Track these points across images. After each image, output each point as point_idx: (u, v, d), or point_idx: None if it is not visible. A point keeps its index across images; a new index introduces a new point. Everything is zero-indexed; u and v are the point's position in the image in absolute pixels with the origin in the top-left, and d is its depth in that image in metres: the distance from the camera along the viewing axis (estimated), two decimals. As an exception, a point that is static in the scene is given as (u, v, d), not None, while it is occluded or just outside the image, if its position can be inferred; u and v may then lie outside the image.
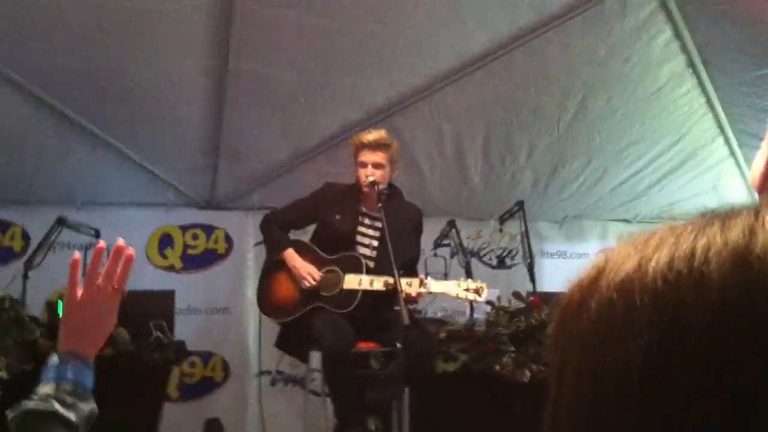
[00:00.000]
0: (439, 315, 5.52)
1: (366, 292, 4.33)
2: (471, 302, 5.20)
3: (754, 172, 1.02)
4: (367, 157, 4.45)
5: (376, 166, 4.42)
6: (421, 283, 4.25)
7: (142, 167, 5.90)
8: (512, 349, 4.81)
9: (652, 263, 0.44)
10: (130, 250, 1.59)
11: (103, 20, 4.66)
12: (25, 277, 4.88)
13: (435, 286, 4.34)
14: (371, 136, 4.51)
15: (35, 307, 5.06)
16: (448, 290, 4.40)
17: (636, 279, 0.45)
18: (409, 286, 4.16)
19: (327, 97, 5.51)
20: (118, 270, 1.58)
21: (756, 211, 0.44)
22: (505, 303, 5.13)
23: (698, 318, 0.41)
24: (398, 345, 3.93)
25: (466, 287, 4.36)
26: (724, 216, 0.45)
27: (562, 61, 5.50)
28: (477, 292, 4.35)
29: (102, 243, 1.59)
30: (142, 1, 4.59)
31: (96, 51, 4.87)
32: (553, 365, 0.50)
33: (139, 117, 5.46)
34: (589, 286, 0.49)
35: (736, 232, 0.43)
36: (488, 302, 5.16)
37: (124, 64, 5.00)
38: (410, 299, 4.21)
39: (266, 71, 5.22)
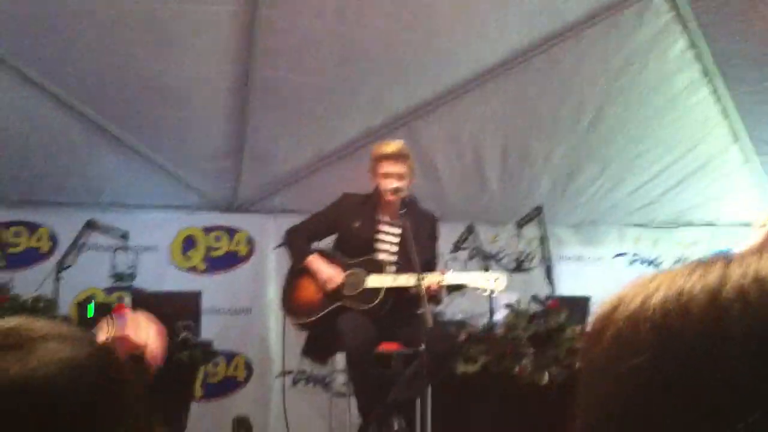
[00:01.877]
0: (459, 317, 5.61)
1: (389, 295, 4.44)
2: (491, 296, 5.31)
3: None
4: (390, 168, 4.55)
5: (399, 177, 4.54)
6: (441, 275, 4.37)
7: (166, 170, 6.03)
8: (531, 351, 4.91)
9: (652, 301, 0.59)
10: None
11: (130, 26, 4.79)
12: (58, 278, 5.00)
13: (454, 277, 4.46)
14: (391, 148, 4.60)
15: (64, 308, 5.21)
16: (468, 281, 4.51)
17: (640, 312, 0.60)
18: (430, 279, 4.29)
19: (349, 103, 5.63)
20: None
21: (728, 261, 0.59)
22: (523, 306, 5.22)
23: (684, 340, 0.56)
24: (422, 346, 4.03)
25: (485, 278, 4.48)
26: (705, 264, 0.60)
27: (579, 70, 5.60)
28: (496, 281, 4.45)
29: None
30: (169, 7, 4.72)
31: (123, 57, 5.01)
32: (579, 382, 0.64)
33: (165, 121, 5.60)
34: (606, 318, 0.63)
35: (711, 278, 0.58)
36: (507, 305, 5.26)
37: (151, 70, 5.13)
38: (432, 292, 4.32)
39: (289, 76, 5.33)
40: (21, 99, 5.20)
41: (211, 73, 5.23)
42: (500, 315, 5.32)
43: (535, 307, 5.18)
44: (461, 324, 5.33)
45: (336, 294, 4.54)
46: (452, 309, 5.64)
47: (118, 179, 6.07)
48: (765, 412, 0.52)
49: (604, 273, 7.03)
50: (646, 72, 5.65)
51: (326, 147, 6.05)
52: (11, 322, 0.78)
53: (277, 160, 6.12)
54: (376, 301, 4.43)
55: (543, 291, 5.41)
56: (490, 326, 5.20)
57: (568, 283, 6.46)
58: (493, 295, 5.07)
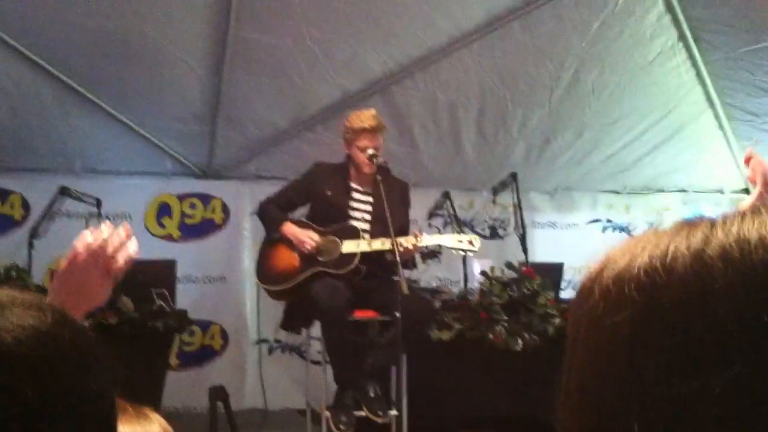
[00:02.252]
0: (434, 284, 5.65)
1: (364, 260, 4.45)
2: (466, 261, 5.35)
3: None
4: (370, 141, 4.55)
5: (377, 149, 4.55)
6: (416, 237, 4.39)
7: (140, 135, 5.96)
8: (505, 318, 4.95)
9: (638, 261, 0.62)
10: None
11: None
12: (31, 246, 4.96)
13: (429, 239, 4.48)
14: (370, 121, 4.58)
15: (38, 276, 5.16)
16: (443, 241, 4.53)
17: (626, 272, 0.62)
18: (405, 241, 4.31)
19: (327, 66, 5.57)
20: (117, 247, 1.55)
21: (712, 224, 0.62)
22: (497, 273, 5.26)
23: (668, 298, 0.59)
24: (397, 314, 4.05)
25: (459, 239, 4.50)
26: (690, 226, 0.62)
27: (557, 34, 5.58)
28: (470, 243, 4.47)
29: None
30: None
31: (97, 17, 4.91)
32: (567, 339, 0.67)
33: (139, 84, 5.52)
34: (594, 277, 0.65)
35: (696, 239, 0.60)
36: (481, 272, 5.29)
37: (125, 29, 5.04)
38: (407, 254, 4.34)
39: (267, 39, 5.27)
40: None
41: (187, 34, 5.15)
42: (474, 282, 5.37)
43: (509, 274, 5.22)
44: (436, 291, 5.37)
45: (311, 260, 4.55)
46: (427, 276, 5.68)
47: (91, 145, 6.00)
48: (745, 364, 0.55)
49: (577, 239, 7.08)
50: (622, 37, 5.65)
51: (302, 113, 6.01)
52: None
53: (253, 126, 6.07)
54: (352, 266, 4.44)
55: (517, 257, 5.44)
56: (465, 293, 5.24)
57: (543, 250, 6.52)
58: (468, 256, 5.09)
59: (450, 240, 4.54)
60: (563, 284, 5.81)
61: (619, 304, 0.61)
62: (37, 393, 0.71)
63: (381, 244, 4.37)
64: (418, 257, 4.86)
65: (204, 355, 6.20)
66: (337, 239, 4.55)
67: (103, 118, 5.73)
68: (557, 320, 5.01)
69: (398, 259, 4.09)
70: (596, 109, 6.22)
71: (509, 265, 5.30)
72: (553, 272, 5.49)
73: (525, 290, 5.07)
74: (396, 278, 4.04)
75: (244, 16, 5.00)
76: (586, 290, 0.65)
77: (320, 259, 4.53)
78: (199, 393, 5.13)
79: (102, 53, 5.24)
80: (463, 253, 4.82)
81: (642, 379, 0.58)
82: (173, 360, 5.80)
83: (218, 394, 4.39)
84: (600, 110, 6.24)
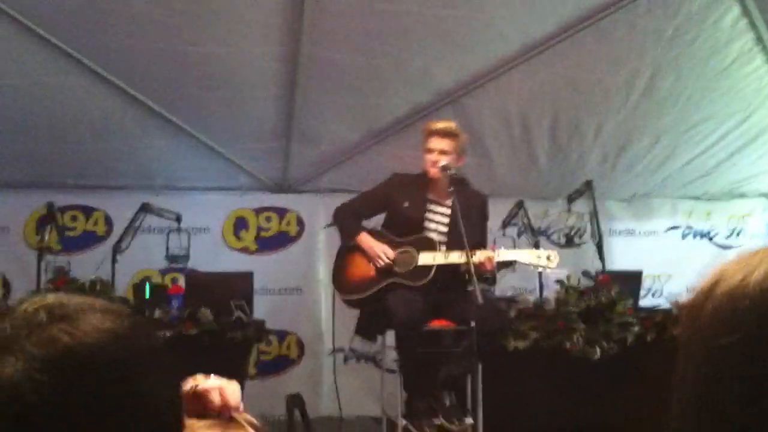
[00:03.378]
0: (509, 294, 5.61)
1: (439, 272, 4.45)
2: (541, 272, 5.29)
3: None
4: (435, 143, 4.57)
5: (443, 152, 4.55)
6: (493, 251, 4.37)
7: (217, 152, 6.10)
8: (582, 326, 4.89)
9: (753, 277, 0.60)
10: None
11: (178, 7, 4.83)
12: (114, 261, 5.11)
13: (507, 254, 4.45)
14: (441, 124, 4.67)
15: (121, 289, 5.33)
16: (520, 257, 4.50)
17: (740, 288, 0.60)
18: (481, 255, 4.30)
19: (397, 80, 5.61)
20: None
21: None
22: (573, 282, 5.19)
23: None
24: (472, 324, 4.04)
25: (537, 255, 4.47)
26: None
27: (630, 42, 5.49)
28: (548, 258, 4.43)
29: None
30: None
31: (172, 38, 5.04)
32: (679, 353, 0.65)
33: (214, 103, 5.65)
34: (707, 292, 0.64)
35: None
36: (558, 281, 5.24)
37: (200, 51, 5.17)
38: (484, 269, 4.33)
39: (338, 56, 5.34)
40: (73, 85, 5.30)
41: (260, 53, 5.26)
42: (550, 291, 5.31)
43: (585, 283, 5.15)
44: (511, 300, 5.32)
45: (388, 271, 4.57)
46: (502, 285, 5.63)
47: (169, 162, 6.17)
48: None
49: (656, 246, 6.95)
50: (698, 42, 5.53)
51: (374, 126, 6.06)
52: (50, 298, 0.82)
53: (326, 140, 6.15)
54: (428, 278, 4.44)
55: (594, 266, 5.37)
56: (541, 302, 5.19)
57: (620, 258, 6.42)
58: (545, 272, 5.05)
59: (527, 256, 4.50)
60: (642, 292, 5.71)
61: (732, 324, 0.59)
62: (113, 393, 0.75)
63: (458, 257, 4.37)
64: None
65: (281, 364, 6.31)
66: (414, 251, 4.56)
67: (181, 137, 5.90)
68: (636, 328, 4.92)
69: (472, 268, 4.08)
70: (673, 115, 6.10)
71: (585, 274, 5.24)
72: (631, 280, 5.40)
73: (602, 299, 5.00)
74: (470, 288, 4.03)
75: (315, 35, 5.08)
76: (697, 306, 0.64)
77: (396, 270, 4.55)
78: (276, 401, 5.20)
79: (180, 76, 5.39)
80: (540, 269, 4.79)
81: (758, 399, 0.57)
82: (251, 369, 5.90)
83: (295, 401, 4.45)
84: (677, 116, 6.11)
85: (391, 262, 4.53)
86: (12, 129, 5.58)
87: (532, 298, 5.39)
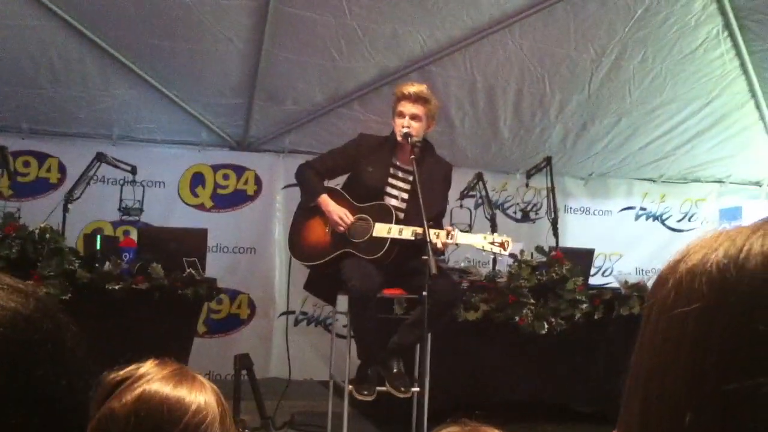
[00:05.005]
0: (462, 265, 5.63)
1: (394, 242, 4.43)
2: (495, 255, 5.32)
3: None
4: (406, 108, 4.48)
5: (414, 117, 4.46)
6: (449, 234, 4.33)
7: (178, 106, 5.99)
8: (532, 301, 4.94)
9: (712, 256, 0.63)
10: None
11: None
12: (66, 210, 5.01)
13: (462, 237, 4.43)
14: (413, 88, 4.53)
15: (71, 239, 5.23)
16: (474, 242, 4.49)
17: (699, 266, 0.64)
18: (436, 237, 4.25)
19: (366, 44, 5.55)
20: None
21: None
22: (527, 256, 5.23)
23: (735, 296, 0.61)
24: (424, 293, 4.04)
25: (491, 240, 4.44)
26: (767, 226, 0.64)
27: (600, 18, 5.51)
28: (502, 245, 4.42)
29: None
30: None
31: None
32: (641, 325, 0.69)
33: (179, 55, 5.55)
34: (671, 268, 0.67)
35: None
36: (511, 255, 5.26)
37: (168, 0, 5.07)
38: (437, 250, 4.30)
39: (307, 14, 5.26)
40: (34, 26, 5.16)
41: (228, 5, 5.16)
42: (503, 264, 5.34)
43: (538, 258, 5.19)
44: (465, 272, 5.35)
45: (343, 239, 4.53)
46: (455, 257, 5.66)
47: (129, 113, 6.05)
48: None
49: (610, 226, 7.04)
50: (667, 23, 5.57)
51: (340, 88, 6.00)
52: None
53: (290, 99, 6.07)
54: (381, 252, 4.42)
55: (548, 242, 5.41)
56: (493, 275, 5.22)
57: (574, 235, 6.48)
58: (499, 258, 5.08)
59: (481, 241, 4.47)
60: (593, 270, 5.77)
61: (690, 296, 0.63)
62: (6, 375, 0.72)
63: (411, 233, 4.33)
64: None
65: (231, 323, 6.29)
66: (370, 219, 4.52)
67: (142, 87, 5.78)
68: (585, 306, 4.98)
69: (428, 238, 4.07)
70: (636, 96, 6.14)
71: (539, 249, 5.28)
72: (583, 258, 5.46)
73: (554, 275, 5.05)
74: (425, 257, 4.02)
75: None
76: (662, 279, 0.68)
77: (351, 240, 4.52)
78: (224, 360, 5.19)
79: (145, 24, 5.27)
80: (493, 255, 4.80)
81: (702, 371, 0.60)
82: (201, 327, 5.87)
83: (243, 362, 4.42)
84: (640, 97, 6.16)
85: (349, 228, 4.50)
86: (-34, 70, 5.43)
87: (485, 270, 5.42)
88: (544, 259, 5.18)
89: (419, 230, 4.19)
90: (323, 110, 6.16)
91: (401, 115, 4.47)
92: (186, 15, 5.19)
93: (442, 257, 5.12)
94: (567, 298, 4.97)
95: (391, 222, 4.44)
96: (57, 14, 5.12)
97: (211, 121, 6.23)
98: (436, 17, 5.42)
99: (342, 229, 4.47)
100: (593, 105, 6.21)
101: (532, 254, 5.27)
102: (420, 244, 4.16)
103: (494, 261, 5.46)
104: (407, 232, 4.34)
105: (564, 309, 4.96)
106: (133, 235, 5.31)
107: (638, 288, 5.13)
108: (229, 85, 5.90)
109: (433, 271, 3.89)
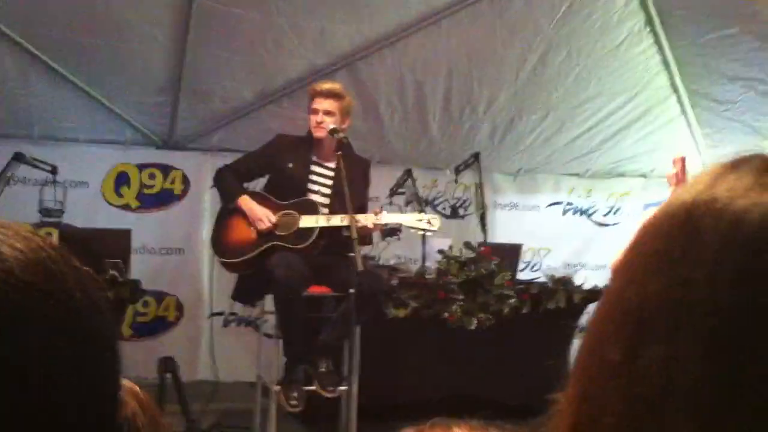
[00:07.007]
0: (392, 262, 5.63)
1: (321, 237, 4.41)
2: (425, 241, 5.34)
3: None
4: (319, 104, 4.54)
5: (327, 113, 4.52)
6: (376, 215, 4.37)
7: (100, 103, 5.84)
8: (461, 297, 4.96)
9: (678, 200, 0.67)
10: None
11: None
12: (-19, 211, 4.85)
13: (389, 217, 4.45)
14: (325, 85, 4.65)
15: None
16: (402, 220, 4.51)
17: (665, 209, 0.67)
18: (365, 219, 4.29)
19: (293, 40, 5.50)
20: None
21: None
22: (456, 252, 5.26)
23: (703, 232, 0.63)
24: (351, 290, 4.02)
25: (418, 218, 4.48)
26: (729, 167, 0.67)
27: (526, 15, 5.56)
28: (429, 222, 4.45)
29: None
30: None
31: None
32: (603, 307, 0.70)
33: (101, 52, 5.40)
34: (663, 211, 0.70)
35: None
36: (440, 251, 5.28)
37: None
38: (365, 231, 4.32)
39: (232, 10, 5.18)
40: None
41: (152, 3, 5.05)
42: (433, 261, 5.36)
43: (467, 254, 5.22)
44: (394, 269, 5.35)
45: (269, 234, 4.50)
46: (387, 254, 5.65)
47: (49, 111, 5.86)
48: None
49: (537, 221, 7.12)
50: (591, 19, 5.65)
51: (267, 86, 5.93)
52: None
53: (216, 97, 5.98)
54: (310, 241, 4.40)
55: (476, 238, 5.45)
56: (422, 272, 5.23)
57: (503, 231, 6.53)
58: (428, 235, 5.08)
59: (410, 219, 4.51)
60: (522, 265, 5.82)
61: (660, 234, 0.66)
62: (29, 317, 0.68)
63: (340, 220, 4.34)
64: (377, 234, 4.83)
65: (158, 326, 6.15)
66: (296, 213, 4.50)
67: (63, 85, 5.61)
68: (513, 300, 5.03)
69: (354, 235, 4.05)
70: (562, 91, 6.22)
71: (467, 245, 5.30)
72: (511, 253, 5.51)
73: (482, 270, 5.08)
74: (351, 254, 4.00)
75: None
76: (647, 222, 0.71)
77: (278, 233, 4.48)
78: (151, 364, 5.08)
79: (65, 20, 5.12)
80: (422, 233, 4.81)
81: (666, 289, 0.62)
82: (126, 330, 5.74)
83: (167, 365, 4.34)
84: (566, 93, 6.24)
85: (272, 226, 4.46)
86: None
87: (414, 267, 5.43)
88: (473, 255, 5.20)
89: (347, 217, 4.18)
90: (251, 107, 6.08)
91: (315, 111, 4.53)
92: (107, 11, 5.06)
93: (369, 254, 5.11)
94: (495, 293, 5.01)
95: (317, 214, 4.44)
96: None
97: (136, 119, 6.08)
98: (363, 13, 5.40)
99: (263, 227, 4.44)
100: (520, 101, 6.27)
101: (461, 250, 5.29)
102: (346, 241, 4.15)
103: (424, 257, 5.47)
104: (335, 220, 4.35)
105: (492, 304, 5.00)
106: (54, 237, 5.16)
107: (564, 282, 5.20)
108: (153, 82, 5.78)
109: (359, 267, 3.88)
